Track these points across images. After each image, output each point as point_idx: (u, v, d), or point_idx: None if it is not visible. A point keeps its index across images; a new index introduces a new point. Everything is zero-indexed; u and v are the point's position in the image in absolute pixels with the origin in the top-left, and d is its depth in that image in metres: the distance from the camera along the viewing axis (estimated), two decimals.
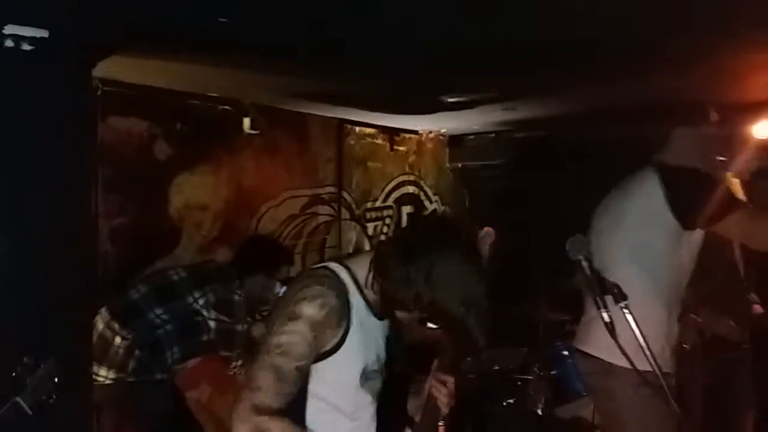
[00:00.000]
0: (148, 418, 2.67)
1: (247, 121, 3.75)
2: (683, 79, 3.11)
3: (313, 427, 1.64)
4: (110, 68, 2.83)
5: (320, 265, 1.69)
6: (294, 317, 1.55)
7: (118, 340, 2.69)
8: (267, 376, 1.52)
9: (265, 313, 3.52)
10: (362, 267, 1.66)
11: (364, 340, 1.66)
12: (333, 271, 1.64)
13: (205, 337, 2.76)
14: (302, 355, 1.54)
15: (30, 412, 2.29)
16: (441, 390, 1.77)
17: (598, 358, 2.35)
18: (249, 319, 2.96)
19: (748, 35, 2.45)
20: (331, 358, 1.60)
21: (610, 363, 2.30)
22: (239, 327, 2.81)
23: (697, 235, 2.35)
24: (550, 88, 3.51)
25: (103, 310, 2.78)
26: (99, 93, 2.84)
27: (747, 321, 3.26)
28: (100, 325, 2.74)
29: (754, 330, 3.28)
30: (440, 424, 1.86)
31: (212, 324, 2.76)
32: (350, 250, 4.71)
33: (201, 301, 2.76)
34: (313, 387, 1.62)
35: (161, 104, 3.41)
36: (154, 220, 3.38)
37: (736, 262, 3.31)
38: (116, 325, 2.71)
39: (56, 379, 2.42)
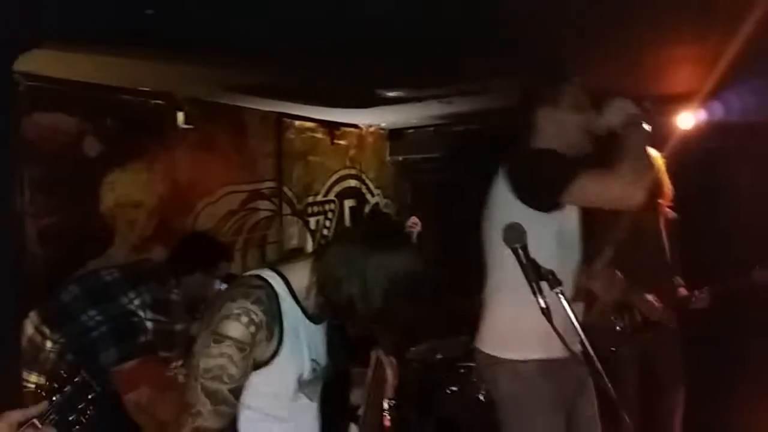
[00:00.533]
0: (83, 424, 2.58)
1: (181, 116, 3.66)
2: (610, 71, 3.21)
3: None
4: (35, 63, 2.72)
5: (254, 273, 1.63)
6: (219, 339, 1.50)
7: (48, 344, 2.59)
8: (203, 400, 1.49)
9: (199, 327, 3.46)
10: (298, 274, 1.63)
11: (299, 348, 1.63)
12: (265, 280, 1.58)
13: (142, 338, 2.68)
14: (234, 378, 1.51)
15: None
16: (387, 372, 1.80)
17: (482, 351, 2.39)
18: (188, 318, 2.89)
19: (669, 30, 2.56)
20: (263, 371, 1.57)
21: (492, 355, 2.34)
22: (178, 326, 2.75)
23: (569, 216, 2.30)
24: (484, 82, 3.56)
25: (33, 314, 2.67)
26: (22, 88, 2.72)
27: (673, 303, 3.42)
28: (29, 330, 2.63)
29: (680, 311, 3.44)
30: (385, 414, 1.87)
31: (149, 324, 2.69)
32: (293, 246, 4.67)
33: (136, 302, 2.69)
34: (245, 398, 1.59)
35: (90, 99, 3.29)
36: (85, 219, 3.26)
37: (663, 247, 3.46)
38: (46, 329, 2.61)
39: (90, 396, 2.39)
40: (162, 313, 2.69)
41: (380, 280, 1.53)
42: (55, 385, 2.39)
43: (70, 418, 2.28)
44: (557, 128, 2.32)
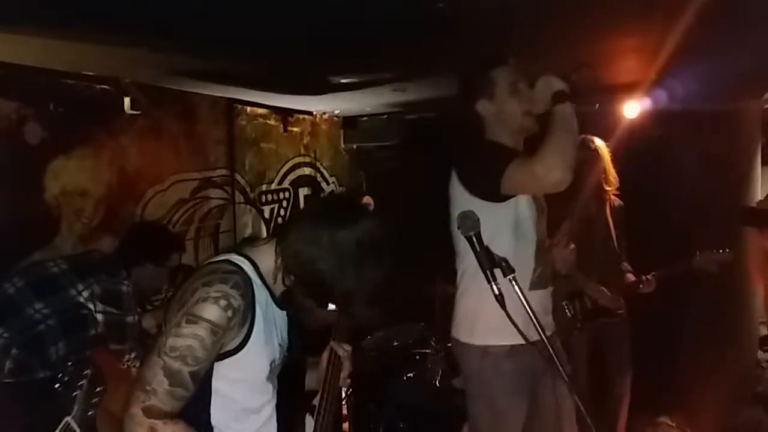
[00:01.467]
0: (31, 420, 2.51)
1: (127, 101, 3.55)
2: (554, 63, 3.26)
3: (218, 423, 1.60)
4: None
5: (223, 257, 1.61)
6: (193, 320, 1.47)
7: None
8: (161, 379, 1.45)
9: (157, 303, 3.40)
10: (264, 258, 1.62)
11: (268, 334, 1.63)
12: (238, 266, 1.57)
13: (93, 331, 2.62)
14: (197, 360, 1.48)
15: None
16: (341, 361, 1.81)
17: (455, 338, 2.46)
18: (139, 310, 2.84)
19: (612, 20, 2.61)
20: (235, 358, 1.55)
21: (458, 339, 2.42)
22: (130, 319, 2.69)
23: (523, 204, 2.32)
24: (435, 69, 3.58)
25: None
26: None
27: (622, 289, 3.53)
28: None
29: (628, 297, 3.56)
30: (343, 400, 1.90)
31: (100, 317, 2.62)
32: (246, 235, 4.61)
33: (85, 294, 2.62)
34: (216, 384, 1.57)
35: (32, 84, 3.16)
36: (29, 208, 3.15)
37: (611, 234, 3.56)
38: None
39: (98, 389, 2.35)
40: (112, 305, 2.64)
41: (347, 250, 1.54)
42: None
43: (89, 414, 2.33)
44: (498, 117, 2.36)
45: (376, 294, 1.58)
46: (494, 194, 2.20)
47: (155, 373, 1.46)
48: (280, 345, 1.69)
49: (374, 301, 1.59)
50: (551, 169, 2.05)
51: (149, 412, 1.44)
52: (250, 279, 1.57)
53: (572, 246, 2.61)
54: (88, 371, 2.52)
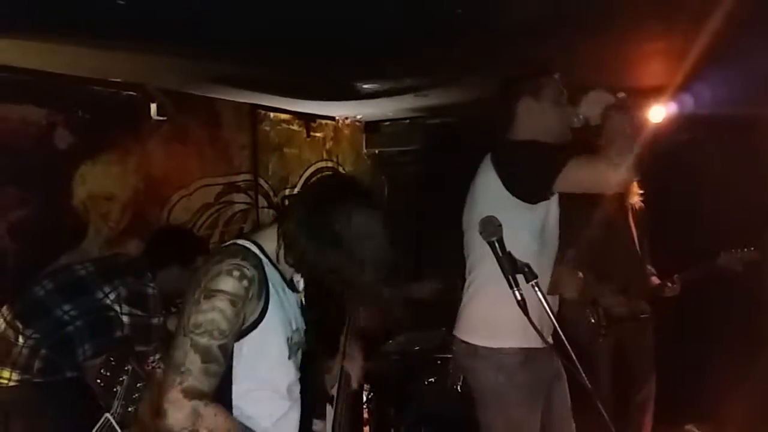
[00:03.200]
0: (60, 419, 2.56)
1: (154, 107, 3.61)
2: (582, 65, 3.24)
3: (251, 412, 1.59)
4: (2, 53, 2.67)
5: (228, 243, 1.63)
6: (211, 294, 1.48)
7: (21, 339, 2.55)
8: (193, 357, 1.45)
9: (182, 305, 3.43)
10: (270, 240, 1.63)
11: (284, 310, 1.64)
12: (244, 246, 1.59)
13: (118, 333, 2.66)
14: (224, 333, 1.48)
15: (119, 430, 2.28)
16: (350, 362, 1.81)
17: (465, 342, 2.41)
18: (164, 311, 2.87)
19: (639, 24, 2.59)
20: (255, 333, 1.55)
21: (474, 345, 2.37)
22: (155, 320, 2.72)
23: (551, 211, 2.34)
24: (458, 75, 3.58)
25: (5, 309, 2.62)
26: None
27: (646, 293, 3.48)
28: (1, 325, 2.59)
29: (653, 300, 3.51)
30: (364, 404, 1.90)
31: (126, 319, 2.66)
32: None
33: (112, 296, 2.66)
34: (243, 368, 1.56)
35: (61, 91, 3.23)
36: (58, 212, 3.21)
37: (633, 238, 3.52)
38: (19, 324, 2.57)
39: (138, 385, 2.39)
40: (138, 307, 2.67)
41: (341, 232, 1.53)
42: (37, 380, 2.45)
43: (129, 410, 2.36)
44: (538, 119, 2.35)
45: (377, 281, 1.56)
46: (543, 193, 2.24)
47: (185, 352, 1.46)
48: (297, 325, 1.69)
49: (375, 289, 1.56)
50: (618, 168, 2.12)
51: (188, 393, 1.43)
52: (258, 256, 1.59)
53: (580, 275, 2.63)
54: (129, 367, 2.55)
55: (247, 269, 1.51)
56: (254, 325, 1.55)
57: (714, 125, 4.17)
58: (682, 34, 2.66)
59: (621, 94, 2.28)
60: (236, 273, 1.49)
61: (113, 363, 2.53)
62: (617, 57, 3.18)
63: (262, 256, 1.60)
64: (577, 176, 2.19)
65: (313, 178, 5.17)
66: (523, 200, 2.23)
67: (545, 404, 2.37)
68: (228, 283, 1.48)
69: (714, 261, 3.41)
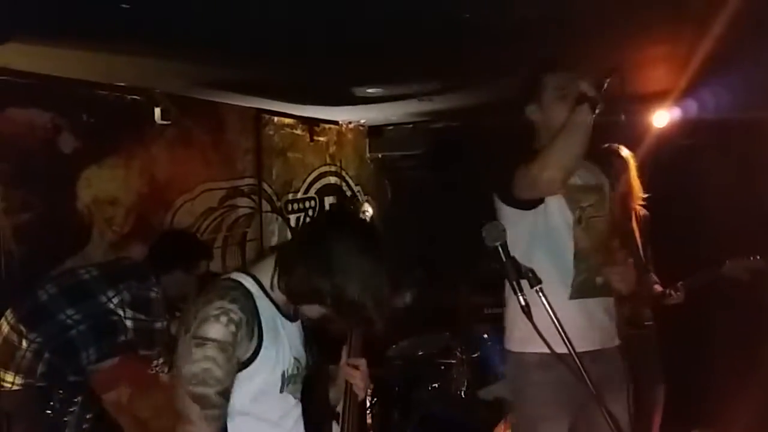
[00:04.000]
0: (63, 423, 2.56)
1: (158, 111, 3.62)
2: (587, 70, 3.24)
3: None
4: (8, 57, 2.67)
5: (224, 276, 1.65)
6: (201, 343, 1.49)
7: (24, 343, 2.55)
8: (193, 407, 1.49)
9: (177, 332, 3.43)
10: (266, 271, 1.64)
11: (279, 345, 1.64)
12: (237, 281, 1.59)
13: (122, 338, 2.66)
14: (220, 380, 1.51)
15: None
16: (355, 375, 1.80)
17: (506, 349, 2.42)
18: (168, 316, 2.87)
19: (642, 29, 2.59)
20: (247, 371, 1.57)
21: (508, 350, 2.38)
22: (158, 325, 2.72)
23: (554, 212, 2.27)
24: (463, 80, 3.58)
25: (9, 313, 2.63)
26: None
27: (649, 300, 3.46)
28: (5, 328, 2.59)
29: (656, 308, 3.49)
30: (368, 410, 1.88)
31: (129, 323, 2.66)
32: (272, 243, 4.65)
33: (115, 300, 2.66)
34: (233, 403, 1.58)
35: (66, 94, 3.23)
36: (62, 216, 3.22)
37: (637, 245, 3.50)
38: (23, 328, 2.57)
39: (88, 416, 2.39)
40: (142, 312, 2.67)
41: (346, 268, 1.54)
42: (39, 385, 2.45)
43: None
44: (545, 123, 2.32)
45: (373, 306, 1.55)
46: (513, 199, 2.18)
47: (186, 403, 1.50)
48: (295, 357, 1.69)
49: (370, 313, 1.55)
50: (543, 169, 2.03)
51: None
52: (250, 292, 1.59)
53: (630, 260, 2.52)
54: (78, 398, 2.55)
55: (234, 313, 1.51)
56: (247, 363, 1.57)
57: (718, 130, 4.17)
58: (686, 38, 2.66)
59: (606, 82, 2.10)
60: (223, 319, 1.50)
61: (62, 394, 2.52)
62: (622, 62, 3.17)
63: (257, 290, 1.60)
64: (519, 180, 2.13)
65: (317, 183, 5.18)
66: (511, 206, 2.19)
67: (583, 416, 2.30)
68: (216, 331, 1.49)
69: (719, 269, 3.39)
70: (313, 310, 1.65)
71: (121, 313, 2.64)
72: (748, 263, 3.35)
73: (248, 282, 1.60)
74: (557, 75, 2.31)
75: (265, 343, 1.58)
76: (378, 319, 1.56)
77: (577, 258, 2.31)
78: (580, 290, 2.30)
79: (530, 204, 2.21)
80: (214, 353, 1.49)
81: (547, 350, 2.17)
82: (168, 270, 2.86)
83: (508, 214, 2.23)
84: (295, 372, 1.70)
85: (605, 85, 2.11)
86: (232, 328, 1.50)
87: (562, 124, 2.12)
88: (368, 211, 1.81)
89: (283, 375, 1.65)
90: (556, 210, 2.29)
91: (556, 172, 2.02)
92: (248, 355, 1.56)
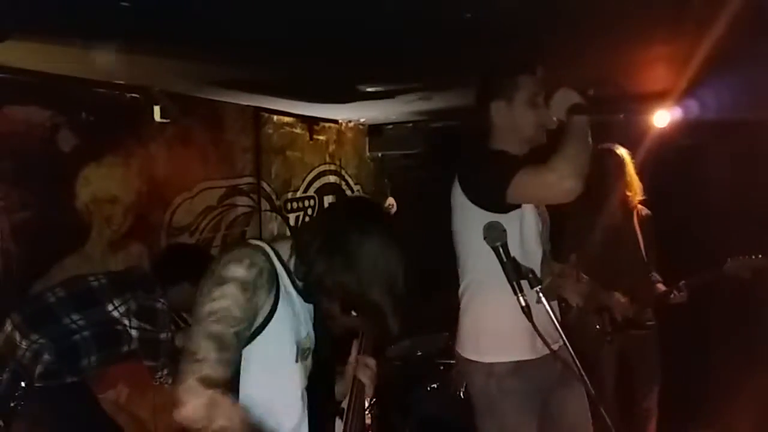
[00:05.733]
0: (61, 423, 2.55)
1: (157, 110, 3.61)
2: (585, 70, 3.23)
3: (259, 404, 1.57)
4: (6, 54, 2.66)
5: (246, 240, 1.68)
6: (223, 281, 1.50)
7: (25, 343, 2.54)
8: (208, 345, 1.46)
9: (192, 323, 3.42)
10: (285, 250, 1.64)
11: (294, 314, 1.63)
12: (258, 245, 1.61)
13: (126, 347, 2.66)
14: (238, 320, 1.49)
15: (2, 424, 2.24)
16: (365, 372, 1.80)
17: (459, 354, 2.41)
18: (173, 327, 2.86)
19: (643, 28, 2.58)
20: (262, 335, 1.56)
21: (466, 358, 2.36)
22: (163, 336, 2.72)
23: (527, 217, 2.28)
24: (462, 78, 3.56)
25: (14, 313, 2.62)
26: None
27: (651, 300, 3.46)
28: (8, 327, 2.59)
29: (658, 307, 3.49)
30: (367, 410, 1.87)
31: (134, 333, 2.66)
32: None
33: (121, 309, 2.66)
34: (249, 371, 1.56)
35: (65, 92, 3.22)
36: (61, 214, 3.20)
37: (639, 245, 3.50)
38: (26, 328, 2.57)
39: (22, 383, 2.37)
40: (147, 322, 2.67)
41: (345, 253, 1.54)
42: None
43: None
44: (510, 122, 2.31)
45: (391, 303, 1.55)
46: (499, 204, 2.17)
47: (200, 341, 1.48)
48: (307, 332, 1.69)
49: (387, 310, 1.55)
50: (563, 178, 2.03)
51: (205, 382, 1.44)
52: (270, 255, 1.60)
53: (584, 278, 2.56)
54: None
55: (258, 259, 1.54)
56: (265, 322, 1.55)
57: (720, 130, 4.16)
58: (686, 38, 2.65)
59: (590, 92, 2.17)
60: (246, 261, 1.53)
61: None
62: (622, 60, 3.17)
63: (276, 260, 1.61)
64: (525, 188, 2.12)
65: (316, 182, 5.17)
66: (488, 210, 2.17)
67: (554, 413, 2.34)
68: (238, 270, 1.51)
69: (721, 268, 3.38)
70: (328, 304, 1.65)
71: (126, 322, 2.64)
72: (749, 262, 3.35)
73: (269, 250, 1.61)
74: (533, 79, 2.30)
75: (280, 307, 1.58)
76: (395, 319, 1.56)
77: (543, 262, 2.35)
78: (545, 293, 2.32)
79: (508, 208, 2.19)
80: (235, 291, 1.49)
81: (517, 357, 2.20)
82: (175, 282, 2.85)
83: (476, 216, 2.19)
84: (308, 346, 1.69)
85: (591, 92, 2.15)
86: (255, 270, 1.52)
87: (531, 129, 2.21)
88: (393, 206, 1.78)
89: (298, 345, 1.64)
90: (530, 214, 2.29)
91: (575, 181, 2.03)
92: (266, 310, 1.56)
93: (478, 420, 2.37)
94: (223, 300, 1.48)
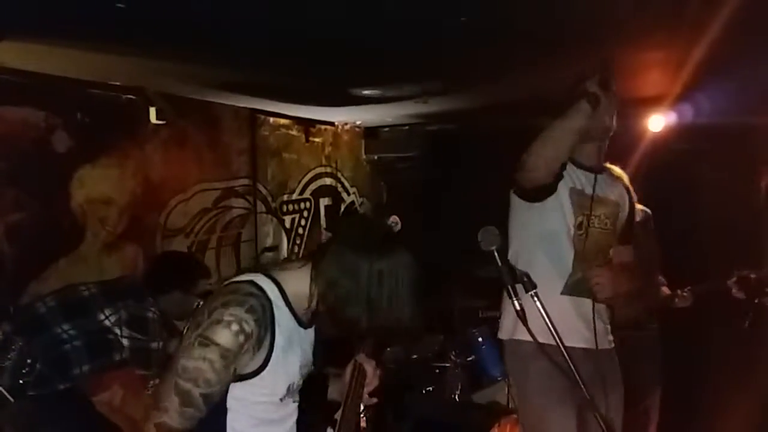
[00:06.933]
0: (54, 429, 2.54)
1: (153, 111, 3.60)
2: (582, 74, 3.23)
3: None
4: (2, 55, 2.66)
5: (247, 278, 1.58)
6: (205, 342, 1.47)
7: (16, 353, 2.52)
8: (173, 398, 1.47)
9: (184, 331, 3.41)
10: (293, 282, 1.59)
11: (291, 357, 1.62)
12: (259, 287, 1.54)
13: (117, 356, 2.64)
14: (209, 383, 1.48)
15: (12, 399, 2.32)
16: (369, 371, 1.79)
17: (506, 340, 2.45)
18: (165, 336, 2.84)
19: (638, 33, 2.59)
20: (250, 381, 1.55)
21: (502, 339, 2.44)
22: (154, 345, 2.70)
23: (558, 207, 2.33)
24: (459, 83, 3.58)
25: (5, 322, 2.60)
26: None
27: (656, 302, 3.47)
28: None
29: (661, 310, 3.50)
30: (361, 414, 1.87)
31: (125, 342, 2.64)
32: (267, 244, 4.63)
33: (113, 318, 2.64)
34: (231, 403, 1.57)
35: (60, 93, 3.21)
36: (55, 216, 3.20)
37: (641, 244, 3.49)
38: (17, 338, 2.55)
39: (29, 360, 2.35)
40: (138, 331, 2.66)
41: (385, 292, 1.53)
42: None
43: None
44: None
45: (410, 328, 1.58)
46: (523, 190, 2.28)
47: (168, 392, 1.48)
48: (302, 365, 1.68)
49: (407, 333, 1.59)
50: (529, 155, 2.13)
51: (161, 429, 1.46)
52: (270, 303, 1.55)
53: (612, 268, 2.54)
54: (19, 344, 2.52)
55: (247, 324, 1.48)
56: (253, 374, 1.55)
57: (716, 135, 4.18)
58: (681, 43, 2.66)
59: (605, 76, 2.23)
60: (234, 327, 1.47)
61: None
62: (617, 65, 3.17)
63: (277, 297, 1.57)
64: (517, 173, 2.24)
65: (312, 184, 5.17)
66: (524, 200, 2.29)
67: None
68: (223, 336, 1.47)
69: (725, 281, 3.41)
70: (343, 332, 1.64)
71: (117, 331, 2.63)
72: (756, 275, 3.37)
73: (270, 287, 1.56)
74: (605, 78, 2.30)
75: (275, 357, 1.56)
76: (409, 338, 1.59)
77: (577, 259, 2.38)
78: (574, 288, 2.37)
79: (537, 196, 2.29)
80: (213, 356, 1.47)
81: (540, 340, 2.21)
82: (166, 291, 2.84)
83: (516, 206, 2.35)
84: (300, 383, 1.69)
85: (612, 85, 2.22)
86: (241, 338, 1.48)
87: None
88: (398, 224, 1.76)
89: (289, 388, 1.64)
90: (563, 209, 2.34)
91: (537, 159, 2.14)
92: (255, 366, 1.54)
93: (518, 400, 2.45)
94: (200, 362, 1.47)
